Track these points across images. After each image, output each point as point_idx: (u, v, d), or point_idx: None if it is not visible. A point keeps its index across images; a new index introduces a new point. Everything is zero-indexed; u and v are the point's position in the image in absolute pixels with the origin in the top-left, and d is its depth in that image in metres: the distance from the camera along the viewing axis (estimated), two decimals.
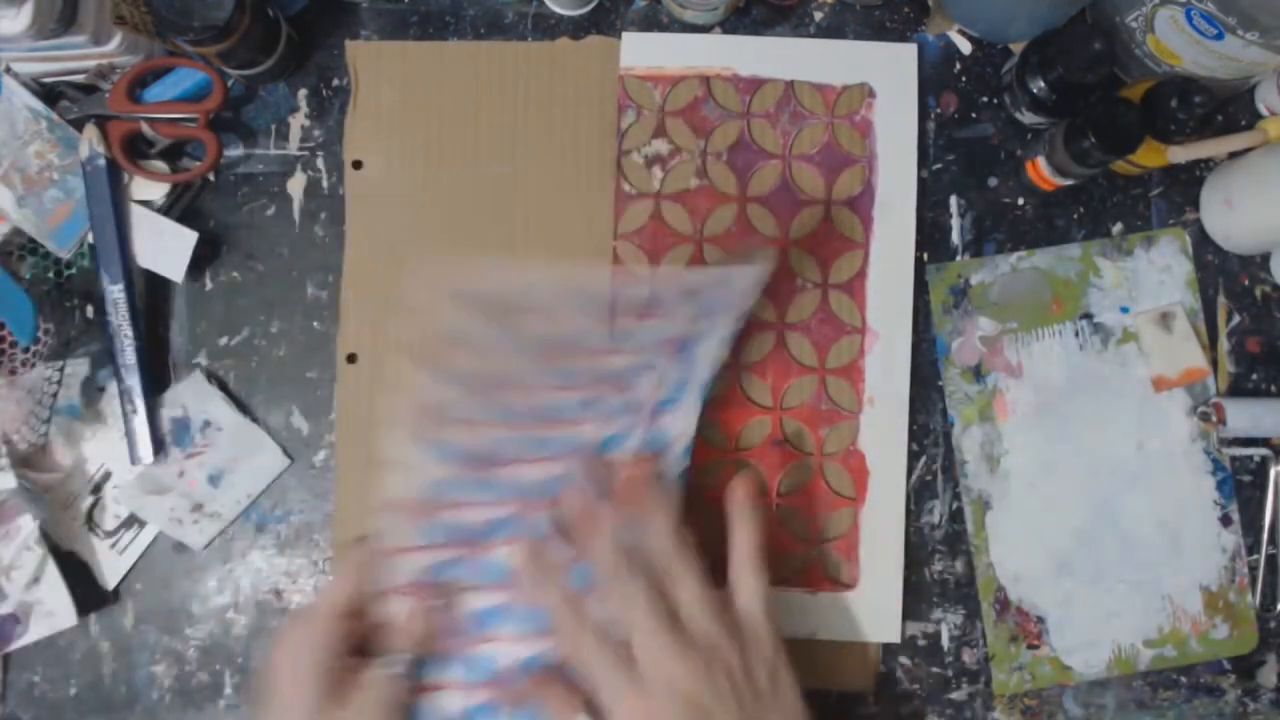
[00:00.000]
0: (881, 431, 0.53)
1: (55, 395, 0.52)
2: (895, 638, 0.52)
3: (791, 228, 0.54)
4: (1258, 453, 0.55)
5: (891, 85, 0.54)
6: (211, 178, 0.55)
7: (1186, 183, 0.56)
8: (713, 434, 0.53)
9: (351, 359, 0.54)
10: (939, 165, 0.56)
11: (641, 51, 0.55)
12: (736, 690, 0.43)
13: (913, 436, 0.54)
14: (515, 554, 0.46)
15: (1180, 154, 0.50)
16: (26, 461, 0.52)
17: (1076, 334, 0.55)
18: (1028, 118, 0.54)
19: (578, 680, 0.44)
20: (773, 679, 0.45)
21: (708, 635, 0.44)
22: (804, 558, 0.52)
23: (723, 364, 0.52)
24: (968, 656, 0.54)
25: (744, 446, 0.53)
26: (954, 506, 0.54)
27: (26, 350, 0.52)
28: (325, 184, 0.55)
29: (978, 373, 0.54)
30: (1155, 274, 0.55)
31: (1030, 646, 0.53)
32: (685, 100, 0.54)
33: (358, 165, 0.54)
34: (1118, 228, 0.56)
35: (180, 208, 0.54)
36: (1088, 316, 0.55)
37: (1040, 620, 0.53)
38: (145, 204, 0.53)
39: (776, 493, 0.53)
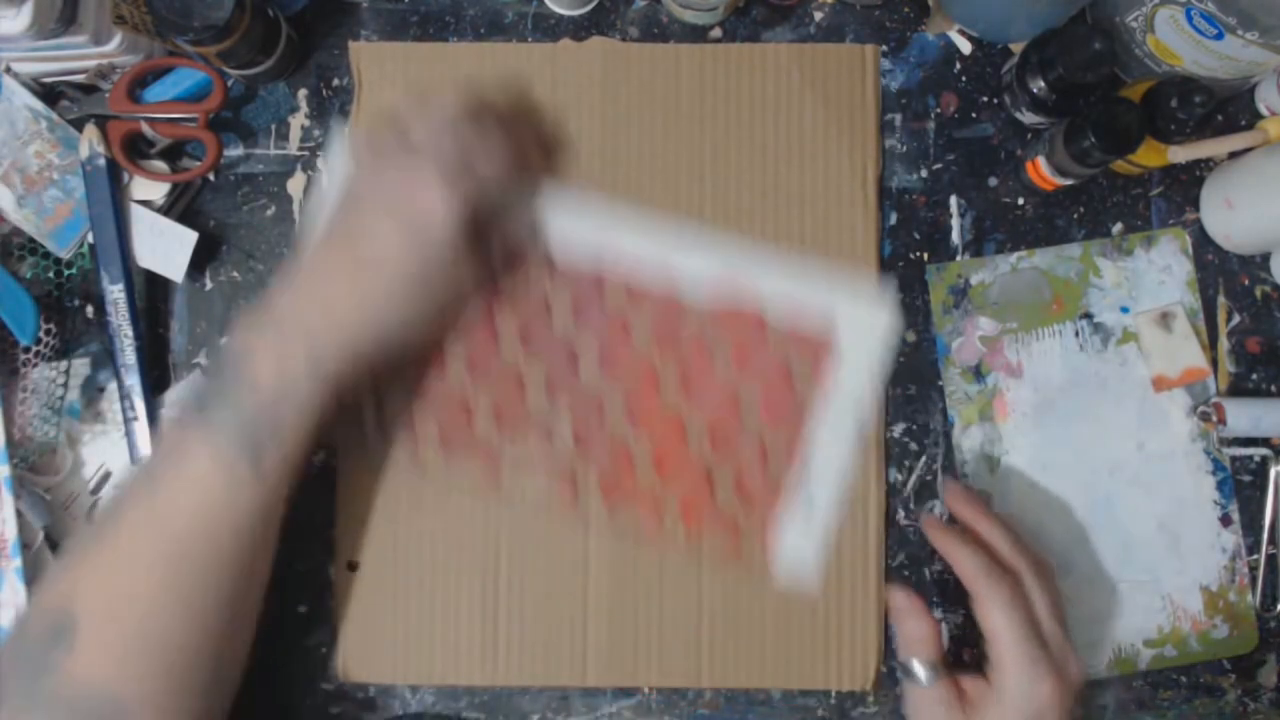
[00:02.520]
0: None
1: (63, 395, 0.52)
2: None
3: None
4: (1258, 453, 0.55)
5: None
6: (211, 178, 0.55)
7: (1186, 183, 0.56)
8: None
9: None
10: (939, 165, 0.56)
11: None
12: (1066, 714, 0.45)
13: (913, 436, 0.54)
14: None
15: (1180, 154, 0.50)
16: (34, 466, 0.52)
17: (1076, 334, 0.55)
18: (1028, 118, 0.54)
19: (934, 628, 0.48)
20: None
21: (1064, 654, 0.46)
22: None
23: None
24: (968, 656, 0.54)
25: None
26: None
27: (28, 350, 0.52)
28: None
29: (978, 373, 0.54)
30: (1155, 274, 0.55)
31: None
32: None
33: None
34: (1118, 228, 0.56)
35: (180, 208, 0.55)
36: (1088, 316, 0.55)
37: None
38: (145, 204, 0.53)
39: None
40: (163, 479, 0.42)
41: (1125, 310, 0.55)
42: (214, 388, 0.43)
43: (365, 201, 0.45)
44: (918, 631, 0.48)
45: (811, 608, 0.52)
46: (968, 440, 0.54)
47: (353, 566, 0.53)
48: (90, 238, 0.52)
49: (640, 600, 0.53)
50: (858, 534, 0.53)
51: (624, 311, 0.53)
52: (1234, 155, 0.54)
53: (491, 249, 0.50)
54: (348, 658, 0.52)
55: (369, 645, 0.53)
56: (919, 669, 0.47)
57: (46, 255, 0.53)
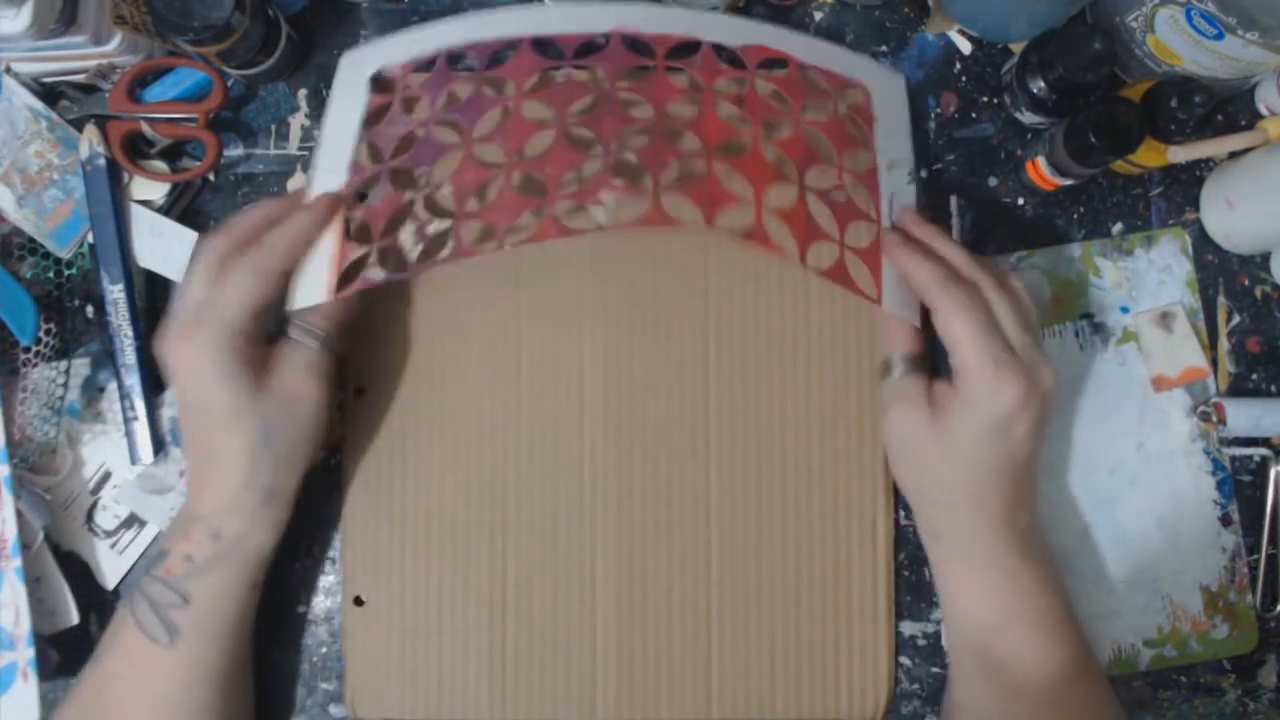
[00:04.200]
0: None
1: (63, 395, 0.52)
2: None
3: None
4: (1258, 453, 0.55)
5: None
6: (211, 178, 0.55)
7: (1186, 183, 0.56)
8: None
9: None
10: (939, 165, 0.56)
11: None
12: (1038, 422, 0.45)
13: None
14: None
15: (1180, 154, 0.50)
16: (34, 466, 0.52)
17: (1076, 334, 0.55)
18: (1028, 118, 0.54)
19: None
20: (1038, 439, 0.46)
21: (1034, 361, 0.45)
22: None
23: None
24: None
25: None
26: None
27: (28, 350, 0.52)
28: None
29: None
30: (1155, 274, 0.55)
31: None
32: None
33: None
34: (1118, 228, 0.56)
35: (180, 208, 0.54)
36: (1088, 316, 0.55)
37: None
38: (145, 204, 0.53)
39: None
40: (104, 650, 0.47)
41: (1125, 310, 0.55)
42: (142, 581, 0.47)
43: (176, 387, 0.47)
44: (901, 331, 0.48)
45: (821, 638, 0.52)
46: None
47: (359, 601, 0.52)
48: (90, 238, 0.52)
49: (649, 633, 0.52)
50: (866, 563, 0.53)
51: (656, 55, 0.51)
52: (1234, 155, 0.54)
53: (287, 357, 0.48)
54: (356, 693, 0.52)
55: (377, 680, 0.52)
56: (896, 362, 0.48)
57: (46, 255, 0.53)
